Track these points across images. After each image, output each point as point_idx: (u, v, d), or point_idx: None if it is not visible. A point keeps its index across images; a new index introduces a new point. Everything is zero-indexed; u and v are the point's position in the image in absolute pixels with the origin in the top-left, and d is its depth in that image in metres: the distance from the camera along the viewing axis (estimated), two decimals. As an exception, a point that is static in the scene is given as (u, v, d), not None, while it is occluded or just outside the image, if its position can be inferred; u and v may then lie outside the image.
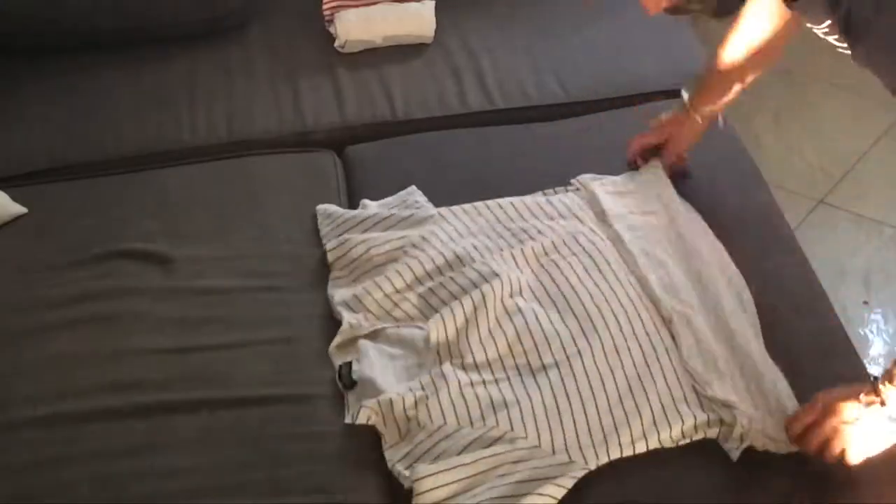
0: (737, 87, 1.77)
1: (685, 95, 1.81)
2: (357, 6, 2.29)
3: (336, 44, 2.27)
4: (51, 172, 2.04)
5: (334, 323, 1.66)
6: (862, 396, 1.36)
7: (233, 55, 2.30)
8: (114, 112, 2.16)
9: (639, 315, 1.55)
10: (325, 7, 2.32)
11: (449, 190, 1.88)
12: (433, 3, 2.32)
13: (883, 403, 1.35)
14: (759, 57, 1.72)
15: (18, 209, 1.90)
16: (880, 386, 1.35)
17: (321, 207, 1.85)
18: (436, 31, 2.29)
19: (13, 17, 2.28)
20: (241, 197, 1.93)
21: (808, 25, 1.44)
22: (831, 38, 1.40)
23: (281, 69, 2.24)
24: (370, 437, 1.52)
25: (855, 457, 1.37)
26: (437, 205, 1.82)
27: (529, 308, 1.58)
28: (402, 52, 2.26)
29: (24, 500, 1.46)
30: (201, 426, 1.53)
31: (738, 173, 1.88)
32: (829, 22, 1.37)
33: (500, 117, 2.11)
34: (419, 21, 2.28)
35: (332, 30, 2.30)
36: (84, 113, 2.16)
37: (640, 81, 2.15)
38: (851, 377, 1.54)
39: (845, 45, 1.36)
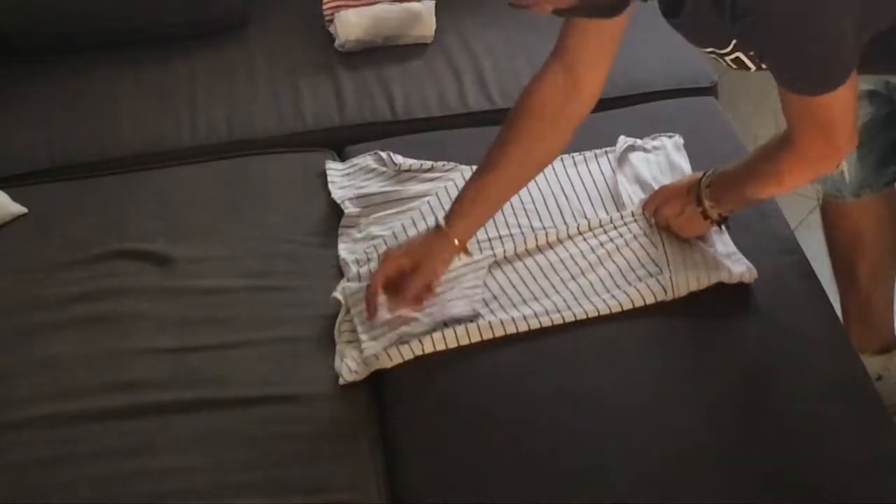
0: (507, 196, 1.66)
1: (440, 223, 1.62)
2: (357, 6, 2.29)
3: (336, 44, 2.27)
4: (51, 172, 2.04)
5: (335, 322, 1.65)
6: (684, 198, 1.64)
7: (233, 55, 2.30)
8: (114, 112, 2.16)
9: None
10: (325, 7, 2.32)
11: (449, 190, 1.88)
12: (433, 3, 2.32)
13: (699, 204, 1.62)
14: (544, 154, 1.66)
15: (18, 209, 1.90)
16: (706, 206, 1.62)
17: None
18: (436, 31, 2.29)
19: (13, 17, 2.28)
20: (241, 197, 1.93)
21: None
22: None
23: (281, 69, 2.24)
24: (370, 438, 1.52)
25: (685, 234, 1.67)
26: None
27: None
28: (402, 52, 2.26)
29: (24, 500, 1.46)
30: (201, 426, 1.53)
31: (738, 173, 1.88)
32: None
33: (500, 117, 2.06)
34: (419, 21, 2.28)
35: (332, 30, 2.30)
36: (84, 113, 2.16)
37: (640, 81, 2.14)
38: (851, 376, 1.54)
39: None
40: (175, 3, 2.33)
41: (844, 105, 1.40)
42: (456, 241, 1.61)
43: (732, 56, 1.45)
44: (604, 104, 2.07)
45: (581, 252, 1.69)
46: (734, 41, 1.42)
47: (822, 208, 1.92)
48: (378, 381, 1.59)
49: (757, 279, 1.64)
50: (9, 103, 2.19)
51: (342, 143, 2.08)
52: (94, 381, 1.60)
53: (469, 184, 1.64)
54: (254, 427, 1.52)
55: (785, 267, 1.70)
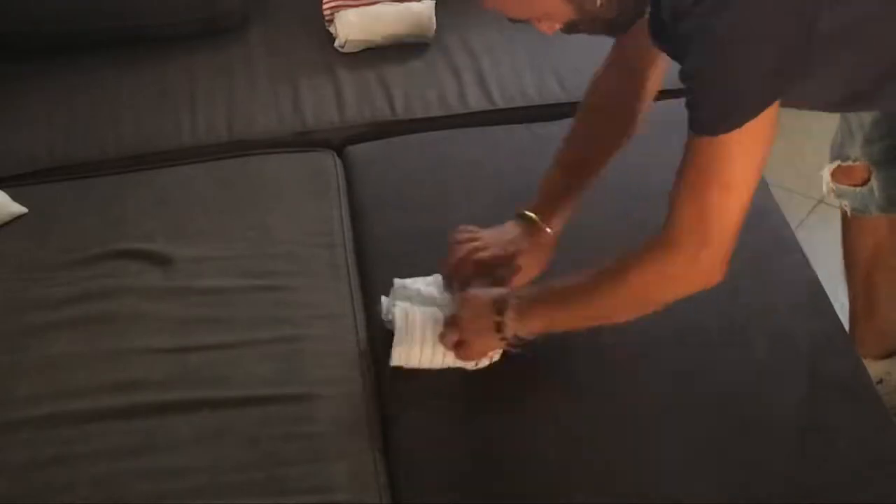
0: (593, 183, 1.61)
1: (530, 214, 1.61)
2: (357, 6, 2.29)
3: (336, 44, 2.27)
4: (51, 172, 2.04)
5: (335, 322, 1.66)
6: (486, 319, 1.49)
7: (233, 55, 2.30)
8: (113, 112, 2.16)
9: None
10: (325, 7, 2.32)
11: (449, 190, 1.89)
12: (433, 3, 2.32)
13: (500, 330, 1.48)
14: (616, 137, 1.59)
15: (18, 209, 1.90)
16: (505, 319, 1.47)
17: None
18: (436, 31, 2.29)
19: (13, 17, 2.28)
20: (241, 197, 1.93)
21: None
22: None
23: (281, 69, 2.24)
24: (370, 438, 1.52)
25: (469, 353, 1.54)
26: (437, 204, 1.82)
27: None
28: (402, 52, 2.26)
29: (24, 500, 1.46)
30: (202, 426, 1.53)
31: (738, 173, 1.88)
32: None
33: (500, 117, 2.11)
34: (419, 21, 2.28)
35: (332, 30, 2.30)
36: (84, 113, 2.16)
37: (640, 81, 2.14)
38: (852, 377, 1.54)
39: None
40: (175, 3, 2.32)
41: (745, 162, 1.27)
42: (549, 231, 1.60)
43: None
44: (604, 104, 2.09)
45: None
46: None
47: (845, 221, 1.90)
48: (378, 381, 1.59)
49: (757, 279, 1.64)
50: (9, 103, 2.19)
51: (342, 143, 2.08)
52: (94, 381, 1.60)
53: (554, 178, 1.62)
54: (254, 427, 1.52)
55: (785, 267, 1.70)
